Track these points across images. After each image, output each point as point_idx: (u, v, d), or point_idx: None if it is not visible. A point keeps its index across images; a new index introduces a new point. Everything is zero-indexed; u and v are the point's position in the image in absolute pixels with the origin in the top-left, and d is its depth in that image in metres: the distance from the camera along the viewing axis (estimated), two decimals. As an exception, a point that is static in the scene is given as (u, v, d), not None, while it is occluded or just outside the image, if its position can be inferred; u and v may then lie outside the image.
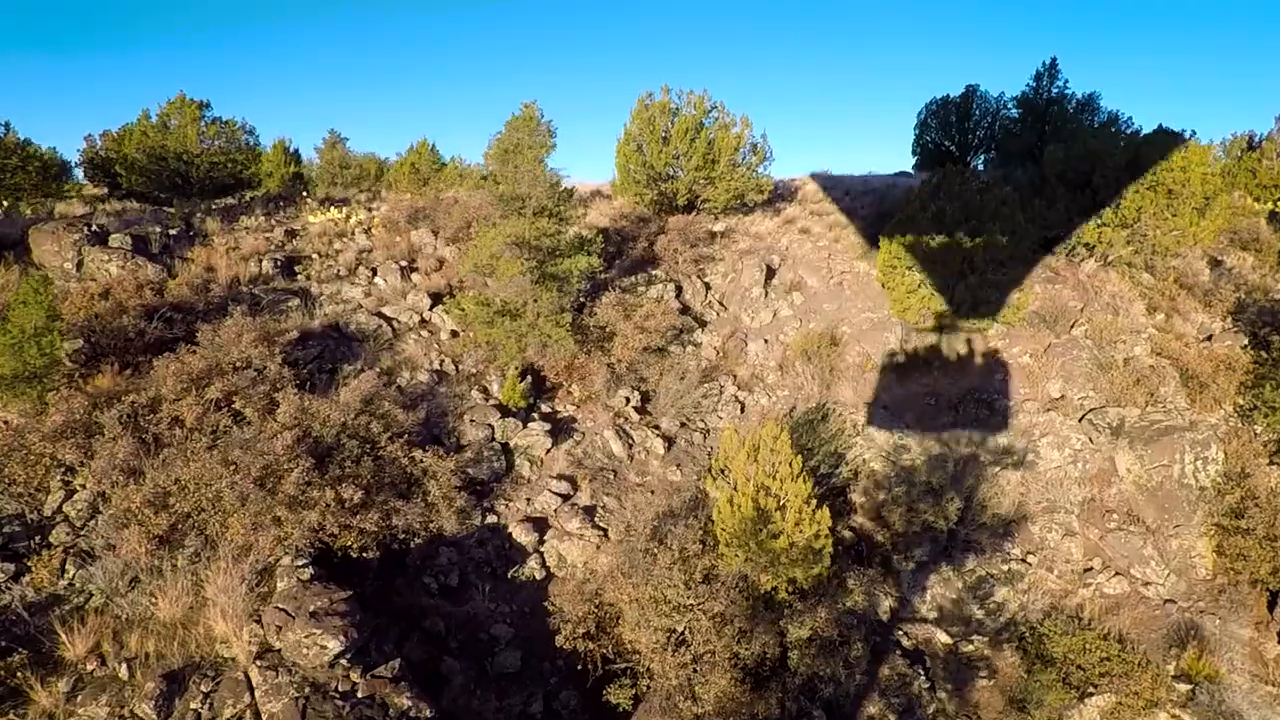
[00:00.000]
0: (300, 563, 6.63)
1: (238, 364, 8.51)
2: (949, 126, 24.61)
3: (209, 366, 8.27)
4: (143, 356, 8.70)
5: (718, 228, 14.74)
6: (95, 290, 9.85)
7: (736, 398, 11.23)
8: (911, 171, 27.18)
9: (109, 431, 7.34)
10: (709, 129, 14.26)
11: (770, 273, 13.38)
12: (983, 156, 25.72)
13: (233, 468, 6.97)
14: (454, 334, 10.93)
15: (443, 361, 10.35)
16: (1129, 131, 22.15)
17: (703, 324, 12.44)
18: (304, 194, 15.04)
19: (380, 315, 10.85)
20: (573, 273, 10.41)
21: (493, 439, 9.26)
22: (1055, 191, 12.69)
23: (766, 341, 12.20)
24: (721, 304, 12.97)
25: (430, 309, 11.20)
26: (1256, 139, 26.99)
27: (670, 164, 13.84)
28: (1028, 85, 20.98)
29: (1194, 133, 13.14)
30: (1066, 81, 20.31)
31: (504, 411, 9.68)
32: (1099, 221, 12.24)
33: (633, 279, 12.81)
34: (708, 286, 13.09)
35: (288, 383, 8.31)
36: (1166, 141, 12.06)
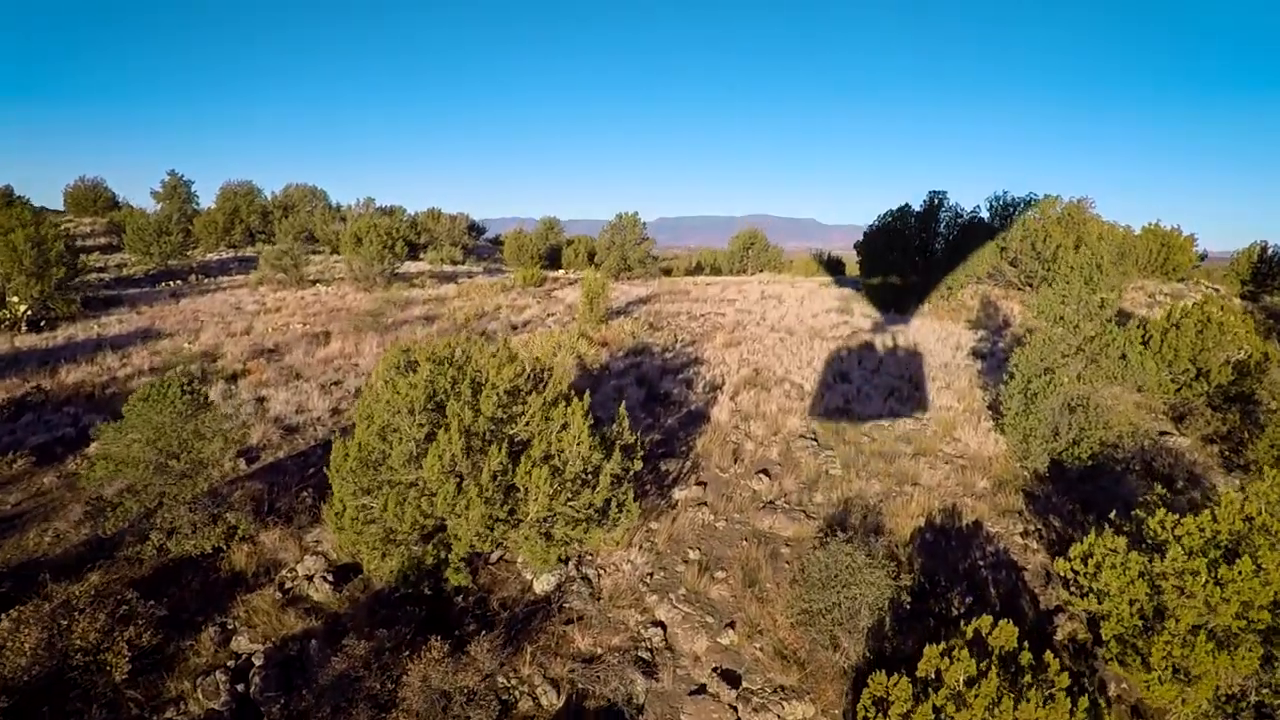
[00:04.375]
0: None
1: None
2: (908, 242, 17.96)
3: None
4: None
5: (540, 585, 7.55)
6: None
7: None
8: (856, 279, 20.85)
9: None
10: (524, 421, 6.98)
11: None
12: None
13: None
14: None
15: None
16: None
17: None
18: None
19: None
20: None
21: None
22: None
23: None
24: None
25: None
26: (1272, 253, 21.49)
27: (427, 511, 6.50)
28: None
29: None
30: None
31: None
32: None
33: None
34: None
35: None
36: None
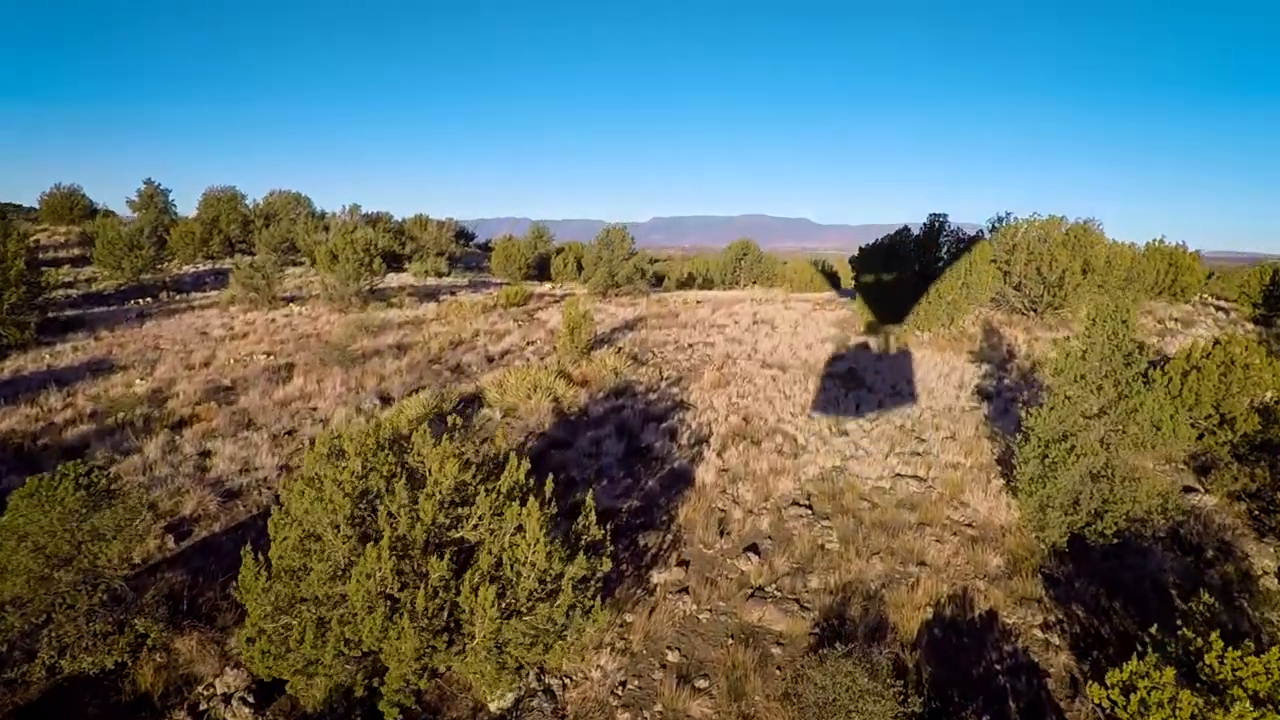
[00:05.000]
0: None
1: None
2: (906, 267, 16.97)
3: None
4: None
5: (496, 704, 6.50)
6: None
7: None
8: (850, 291, 19.95)
9: None
10: (471, 523, 5.96)
11: None
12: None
13: None
14: None
15: None
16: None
17: None
18: None
19: None
20: None
21: None
22: None
23: None
24: None
25: None
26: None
27: (352, 639, 5.47)
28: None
29: None
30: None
31: None
32: None
33: None
34: None
35: None
36: None
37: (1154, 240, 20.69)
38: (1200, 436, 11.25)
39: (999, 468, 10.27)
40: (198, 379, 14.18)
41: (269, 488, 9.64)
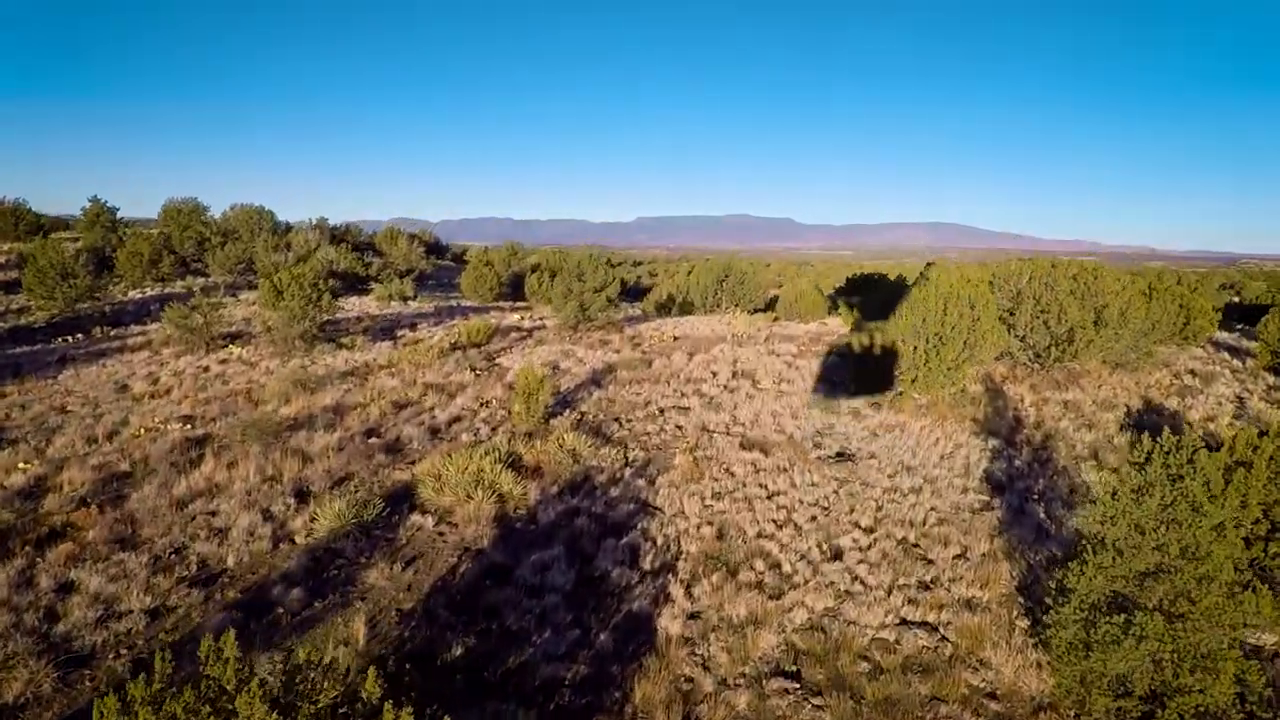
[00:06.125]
0: None
1: None
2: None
3: None
4: None
5: None
6: None
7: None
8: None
9: None
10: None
11: None
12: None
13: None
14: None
15: None
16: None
17: None
18: None
19: None
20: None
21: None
22: None
23: None
24: None
25: None
26: None
27: None
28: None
29: None
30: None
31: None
32: None
33: None
34: None
35: None
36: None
37: (1159, 277, 19.16)
38: (1248, 544, 9.59)
39: (1021, 600, 8.52)
40: (94, 460, 12.13)
41: (130, 647, 7.67)
